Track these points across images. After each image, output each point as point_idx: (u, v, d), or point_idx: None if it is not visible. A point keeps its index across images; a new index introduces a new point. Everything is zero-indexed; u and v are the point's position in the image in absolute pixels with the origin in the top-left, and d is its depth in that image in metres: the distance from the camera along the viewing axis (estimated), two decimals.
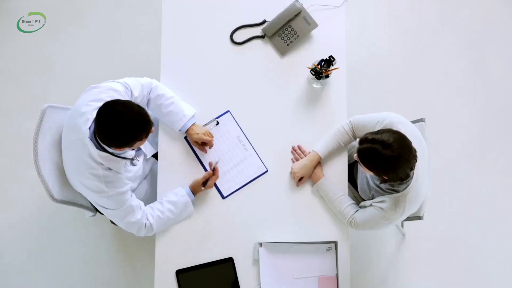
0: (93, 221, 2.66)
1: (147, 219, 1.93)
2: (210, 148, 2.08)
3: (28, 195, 2.74)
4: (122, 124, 1.64)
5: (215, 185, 2.06)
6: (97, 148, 1.75)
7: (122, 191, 1.82)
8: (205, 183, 2.02)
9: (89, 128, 1.75)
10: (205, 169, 2.08)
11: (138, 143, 1.72)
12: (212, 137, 2.07)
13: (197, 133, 2.02)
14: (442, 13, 3.09)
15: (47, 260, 2.70)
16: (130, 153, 1.88)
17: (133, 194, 1.92)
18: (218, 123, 2.12)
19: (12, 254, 2.70)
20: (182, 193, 1.99)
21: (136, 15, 3.01)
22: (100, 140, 1.71)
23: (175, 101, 2.04)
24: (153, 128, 1.75)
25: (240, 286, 2.00)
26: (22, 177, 2.76)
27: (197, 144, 2.06)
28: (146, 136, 1.73)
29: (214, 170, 2.03)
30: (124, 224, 1.91)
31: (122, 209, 1.85)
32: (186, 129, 2.04)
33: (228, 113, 2.13)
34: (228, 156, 2.09)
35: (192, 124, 2.04)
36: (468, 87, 3.00)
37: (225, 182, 2.07)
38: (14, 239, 2.71)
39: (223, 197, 2.06)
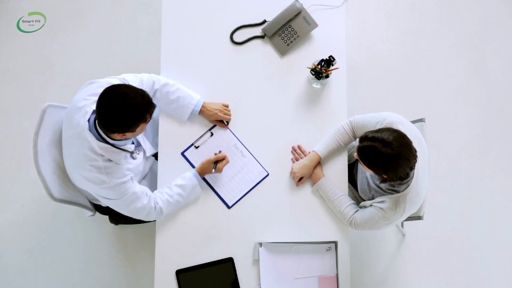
0: (93, 221, 2.67)
1: (156, 203, 1.94)
2: (228, 122, 2.10)
3: (28, 195, 2.74)
4: (126, 106, 1.64)
5: (219, 196, 2.06)
6: (97, 139, 1.75)
7: (123, 181, 1.83)
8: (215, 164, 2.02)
9: (88, 121, 1.76)
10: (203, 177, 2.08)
11: (141, 126, 1.72)
12: (227, 106, 2.11)
13: (215, 112, 2.05)
14: (442, 13, 3.09)
15: (47, 260, 2.69)
16: (129, 146, 1.88)
17: (135, 181, 1.91)
18: (212, 134, 2.11)
19: (12, 254, 2.70)
20: (189, 176, 2.00)
21: (136, 15, 3.01)
22: (103, 127, 1.71)
23: (180, 87, 2.06)
24: (154, 114, 1.76)
25: (240, 286, 2.00)
26: (22, 177, 2.76)
27: (217, 122, 2.09)
28: (149, 118, 1.74)
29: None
30: (130, 211, 1.90)
31: (126, 198, 1.85)
32: (199, 110, 2.06)
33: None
34: (227, 165, 2.07)
35: (203, 104, 2.06)
36: (468, 87, 3.00)
37: (228, 192, 2.07)
38: (14, 239, 2.71)
39: (229, 207, 2.06)
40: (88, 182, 1.80)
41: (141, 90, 1.70)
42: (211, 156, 2.04)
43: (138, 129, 1.73)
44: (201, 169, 2.02)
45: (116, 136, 1.74)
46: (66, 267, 2.69)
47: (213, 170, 2.00)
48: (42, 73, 2.92)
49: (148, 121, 1.75)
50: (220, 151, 2.06)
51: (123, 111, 1.64)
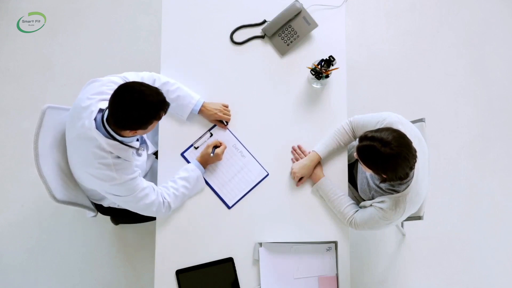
0: (93, 221, 2.67)
1: (164, 198, 1.94)
2: (227, 123, 2.10)
3: (28, 195, 2.74)
4: (142, 103, 1.64)
5: (219, 196, 2.06)
6: (106, 137, 1.75)
7: (133, 177, 1.83)
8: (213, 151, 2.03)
9: (95, 119, 1.76)
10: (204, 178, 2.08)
11: (153, 123, 1.73)
12: (227, 107, 2.11)
13: (215, 112, 2.06)
14: (442, 13, 3.09)
15: (47, 260, 2.69)
16: (135, 143, 1.88)
17: (142, 178, 1.92)
18: (211, 135, 2.11)
19: (12, 254, 2.70)
20: (192, 168, 2.01)
21: (136, 15, 3.01)
22: (115, 123, 1.70)
23: (180, 86, 2.06)
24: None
25: (240, 286, 2.01)
26: (22, 177, 2.76)
27: (217, 121, 2.10)
28: (163, 115, 1.75)
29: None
30: (140, 208, 1.90)
31: (135, 194, 1.85)
32: (198, 110, 2.06)
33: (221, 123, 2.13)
34: (226, 166, 2.08)
35: (203, 104, 2.06)
36: (468, 87, 3.00)
37: (228, 192, 2.07)
38: (14, 239, 2.71)
39: (229, 207, 2.06)
40: (98, 180, 1.80)
41: (156, 88, 1.71)
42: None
43: (150, 127, 1.74)
44: (202, 158, 2.03)
45: (127, 133, 1.74)
46: (66, 267, 2.69)
47: (212, 154, 2.01)
48: (42, 73, 2.92)
49: (160, 119, 1.75)
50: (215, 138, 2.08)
51: (138, 108, 1.65)
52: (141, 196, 1.87)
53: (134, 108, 1.64)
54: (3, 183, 2.78)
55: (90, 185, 1.88)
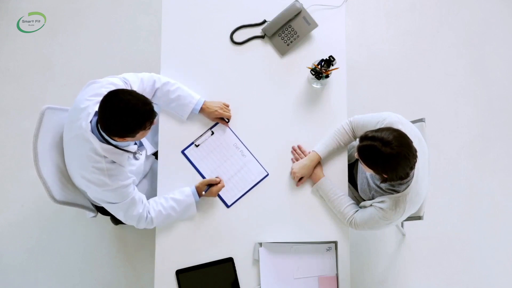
0: (93, 221, 2.67)
1: (148, 212, 1.93)
2: (228, 120, 2.10)
3: (28, 195, 2.74)
4: (127, 112, 1.64)
5: (218, 195, 2.05)
6: (100, 141, 1.75)
7: (125, 184, 1.82)
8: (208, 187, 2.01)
9: (91, 122, 1.75)
10: (203, 176, 2.07)
11: (141, 133, 1.72)
12: (228, 106, 2.11)
13: (215, 110, 2.06)
14: (442, 13, 3.09)
15: (47, 260, 2.70)
16: (132, 146, 1.88)
17: (136, 187, 1.91)
18: (213, 133, 2.11)
19: (12, 254, 2.70)
20: (188, 193, 1.99)
21: (136, 15, 3.01)
22: (103, 129, 1.70)
23: (180, 86, 2.06)
24: (155, 120, 1.76)
25: (240, 286, 2.01)
26: (22, 177, 2.76)
27: (218, 119, 2.09)
28: (150, 126, 1.73)
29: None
30: (124, 217, 1.90)
31: (125, 203, 1.84)
32: (199, 109, 2.06)
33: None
34: (227, 164, 2.08)
35: (204, 103, 2.06)
36: (468, 87, 3.00)
37: (227, 191, 2.06)
38: (14, 239, 2.71)
39: (228, 206, 2.06)
40: (90, 184, 1.79)
41: (144, 97, 1.70)
42: (211, 176, 2.06)
43: (138, 135, 1.73)
44: (198, 187, 2.01)
45: (116, 139, 1.74)
46: (66, 267, 2.69)
47: (203, 193, 1.99)
48: (42, 73, 2.92)
49: (148, 128, 1.74)
50: (216, 177, 2.04)
51: (122, 117, 1.64)
52: (130, 205, 1.86)
53: (119, 117, 1.64)
54: (3, 183, 2.78)
55: (83, 188, 1.88)
